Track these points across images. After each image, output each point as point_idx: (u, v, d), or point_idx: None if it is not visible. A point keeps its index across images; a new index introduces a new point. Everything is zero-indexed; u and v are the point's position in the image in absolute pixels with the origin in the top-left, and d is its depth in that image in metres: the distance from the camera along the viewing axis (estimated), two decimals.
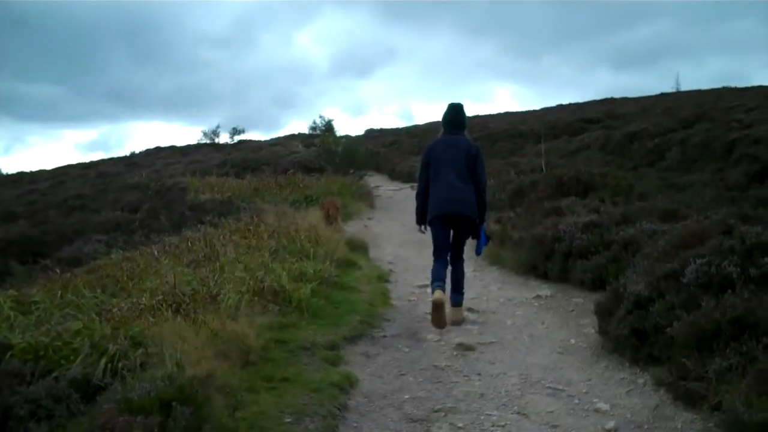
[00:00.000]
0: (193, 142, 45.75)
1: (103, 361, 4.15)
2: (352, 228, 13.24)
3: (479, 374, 5.13)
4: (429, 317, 6.31)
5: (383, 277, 8.37)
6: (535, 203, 10.30)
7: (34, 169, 40.38)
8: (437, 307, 6.15)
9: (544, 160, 14.86)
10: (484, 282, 8.35)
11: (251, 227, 9.06)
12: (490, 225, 9.81)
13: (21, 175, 37.55)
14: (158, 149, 43.56)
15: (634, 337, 5.02)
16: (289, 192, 15.78)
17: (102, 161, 39.76)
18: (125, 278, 6.57)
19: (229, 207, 12.77)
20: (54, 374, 4.06)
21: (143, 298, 5.48)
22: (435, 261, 6.64)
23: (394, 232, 12.96)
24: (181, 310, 5.20)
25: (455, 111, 6.93)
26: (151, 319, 4.75)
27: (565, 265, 7.73)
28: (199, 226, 10.43)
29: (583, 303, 6.95)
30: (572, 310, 6.83)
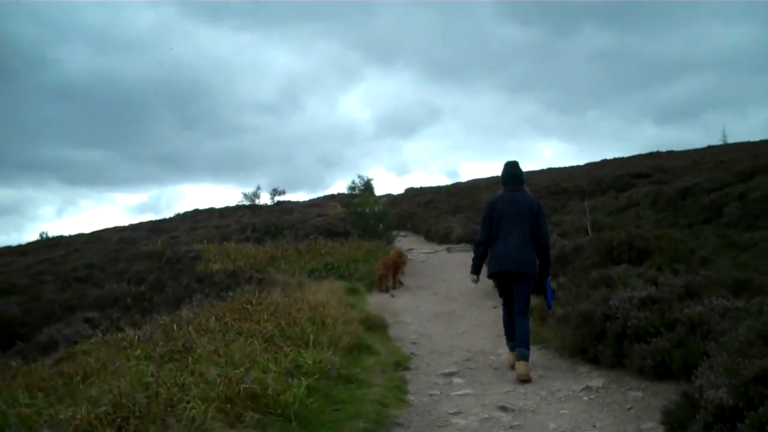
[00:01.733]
0: (232, 203, 45.34)
1: None
2: (375, 298, 12.15)
3: None
4: (452, 420, 5.65)
5: (402, 364, 7.21)
6: (581, 272, 9.12)
7: (74, 232, 40.08)
8: (522, 381, 6.67)
9: (589, 221, 13.61)
10: None
11: (250, 305, 7.99)
12: (533, 300, 8.72)
13: (59, 239, 37.09)
14: (197, 211, 43.26)
15: None
16: (309, 259, 14.70)
17: (128, 227, 39.21)
18: (78, 379, 5.51)
19: (240, 278, 11.75)
20: None
21: (82, 410, 4.40)
22: (504, 313, 7.46)
23: (422, 303, 11.82)
24: (125, 428, 4.12)
25: (513, 167, 7.50)
26: None
27: (620, 348, 6.56)
28: (195, 302, 9.42)
29: (643, 398, 5.77)
30: (630, 408, 5.62)
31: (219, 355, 5.79)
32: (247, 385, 4.96)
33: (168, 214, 52.83)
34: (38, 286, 13.99)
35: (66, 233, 40.30)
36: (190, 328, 6.94)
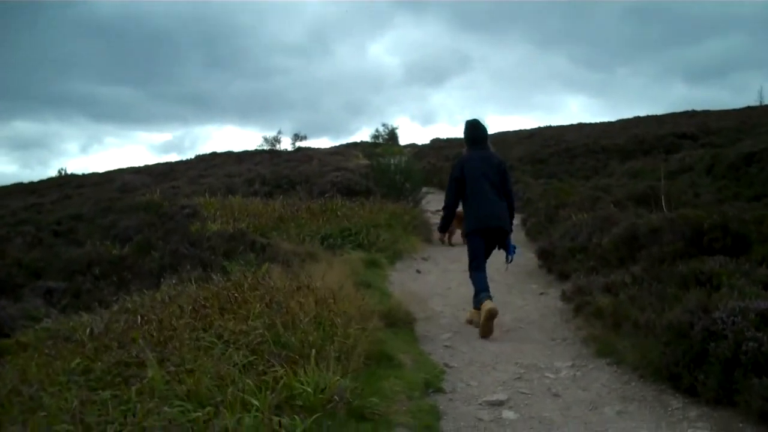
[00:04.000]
0: (252, 148, 44.20)
1: None
2: (398, 275, 10.54)
3: None
4: None
5: (433, 384, 5.57)
6: (660, 262, 7.41)
7: (89, 171, 39.50)
8: (491, 317, 7.21)
9: (664, 193, 11.68)
10: (591, 394, 5.52)
11: (240, 291, 6.36)
12: (597, 295, 7.10)
13: (70, 178, 36.18)
14: (214, 154, 42.26)
15: None
16: (323, 222, 12.98)
17: (130, 169, 37.90)
18: None
19: (239, 243, 10.15)
20: None
21: None
22: (476, 270, 7.65)
23: (454, 283, 10.16)
24: None
25: (479, 127, 7.94)
26: None
27: (729, 379, 4.88)
28: (177, 278, 7.84)
29: None
30: None
31: (179, 381, 4.17)
32: None
33: (191, 154, 52.37)
34: (6, 242, 12.40)
35: (81, 172, 39.87)
36: (153, 328, 5.33)
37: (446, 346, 6.91)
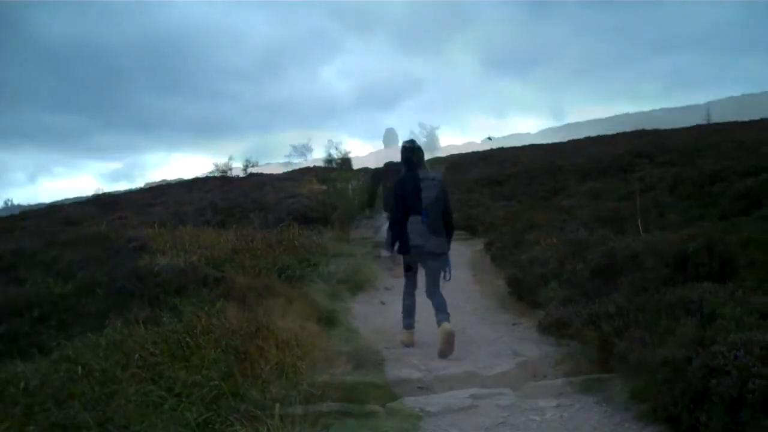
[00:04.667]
0: (203, 174, 43.81)
1: None
2: (362, 308, 10.04)
3: None
4: None
5: None
6: (644, 290, 7.00)
7: (34, 202, 38.83)
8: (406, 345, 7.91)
9: (640, 215, 11.27)
10: None
11: (192, 335, 5.80)
12: (583, 330, 6.68)
13: (13, 209, 35.13)
14: (165, 183, 41.85)
15: None
16: (279, 253, 12.38)
17: (71, 202, 36.99)
18: None
19: (191, 278, 9.55)
20: None
21: None
22: (408, 292, 8.15)
23: (420, 314, 9.62)
24: None
25: (416, 150, 8.03)
26: None
27: (735, 420, 4.46)
28: (122, 319, 7.24)
29: None
30: None
31: None
32: None
33: (141, 182, 52.18)
34: None
35: (27, 202, 39.23)
36: (95, 381, 4.76)
37: (420, 387, 6.41)
